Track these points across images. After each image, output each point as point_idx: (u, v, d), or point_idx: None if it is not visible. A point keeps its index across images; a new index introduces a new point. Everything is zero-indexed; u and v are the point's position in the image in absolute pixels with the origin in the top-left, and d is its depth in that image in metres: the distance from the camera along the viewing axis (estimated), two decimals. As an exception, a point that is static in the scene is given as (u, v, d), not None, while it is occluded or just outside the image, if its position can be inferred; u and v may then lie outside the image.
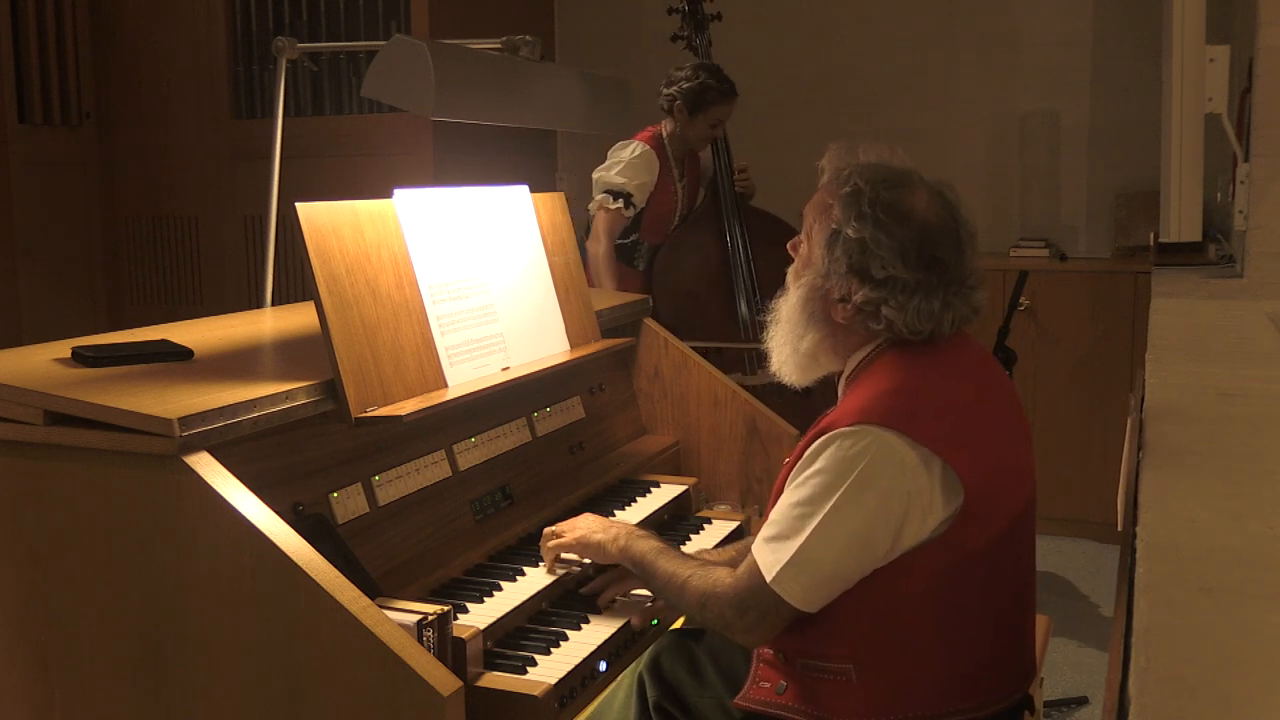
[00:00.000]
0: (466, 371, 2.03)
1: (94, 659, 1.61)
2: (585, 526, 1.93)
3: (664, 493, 2.40)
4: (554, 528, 1.97)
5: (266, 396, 1.66)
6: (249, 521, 1.48)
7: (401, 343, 1.91)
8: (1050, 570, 4.22)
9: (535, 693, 1.57)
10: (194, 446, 1.53)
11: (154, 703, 1.58)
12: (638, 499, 2.35)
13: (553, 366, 2.20)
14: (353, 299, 1.84)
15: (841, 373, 1.76)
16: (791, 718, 1.68)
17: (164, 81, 5.06)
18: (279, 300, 3.58)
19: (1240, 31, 3.74)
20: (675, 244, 3.88)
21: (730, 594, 1.67)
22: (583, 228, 3.78)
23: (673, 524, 2.35)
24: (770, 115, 5.03)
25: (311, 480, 1.78)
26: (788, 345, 1.77)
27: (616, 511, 2.26)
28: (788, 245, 1.80)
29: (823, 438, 1.61)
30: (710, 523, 2.38)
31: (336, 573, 1.47)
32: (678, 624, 2.07)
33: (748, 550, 1.70)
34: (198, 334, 2.12)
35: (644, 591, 1.91)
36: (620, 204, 3.72)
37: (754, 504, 2.58)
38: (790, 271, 1.78)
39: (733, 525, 2.37)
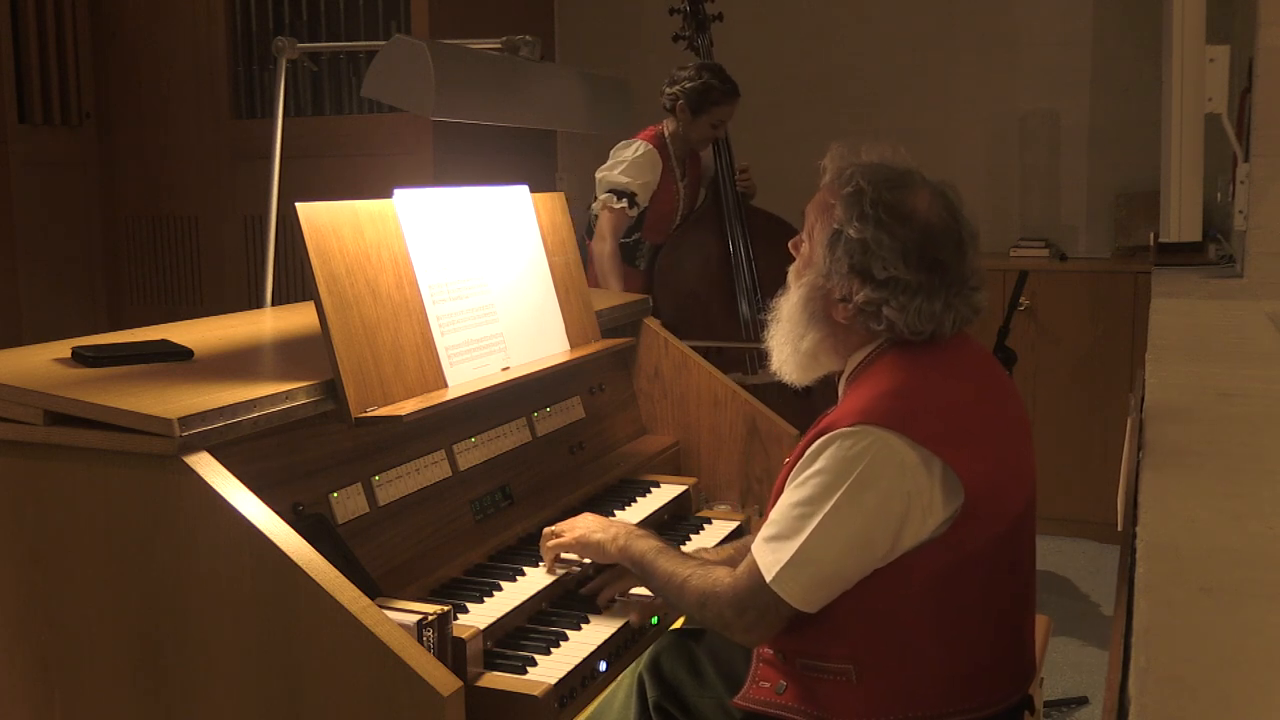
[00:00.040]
0: (466, 371, 2.03)
1: (94, 659, 1.61)
2: (585, 526, 1.93)
3: (664, 493, 2.40)
4: (553, 527, 1.97)
5: (266, 396, 1.66)
6: (249, 521, 1.48)
7: (401, 343, 1.91)
8: (1050, 570, 4.22)
9: (535, 693, 1.57)
10: (194, 446, 1.53)
11: (154, 703, 1.58)
12: (638, 499, 2.35)
13: (553, 366, 2.20)
14: (353, 299, 1.84)
15: (842, 372, 1.76)
16: (791, 718, 1.68)
17: (164, 81, 5.06)
18: (279, 300, 3.58)
19: (1240, 31, 3.74)
20: (677, 244, 3.88)
21: (730, 594, 1.67)
22: (583, 227, 3.78)
23: (673, 524, 2.35)
24: (770, 115, 5.03)
25: (311, 480, 1.78)
26: (788, 344, 1.77)
27: (616, 511, 2.26)
28: (789, 244, 1.80)
29: (823, 438, 1.61)
30: (710, 523, 2.38)
31: (336, 573, 1.47)
32: (678, 624, 2.07)
33: (746, 549, 1.70)
34: (198, 334, 2.12)
35: (643, 590, 1.91)
36: (625, 204, 3.72)
37: (754, 504, 2.58)
38: (791, 270, 1.78)
39: (733, 525, 2.37)
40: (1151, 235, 4.10)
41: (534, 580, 1.93)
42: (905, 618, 1.62)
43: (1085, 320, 4.52)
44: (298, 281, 4.81)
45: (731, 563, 1.81)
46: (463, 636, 1.58)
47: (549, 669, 1.68)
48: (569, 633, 1.81)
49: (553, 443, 2.35)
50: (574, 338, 2.37)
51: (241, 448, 1.65)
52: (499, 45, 2.65)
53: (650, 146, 3.78)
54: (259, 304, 3.00)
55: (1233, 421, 1.77)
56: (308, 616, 1.46)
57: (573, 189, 5.09)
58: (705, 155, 4.00)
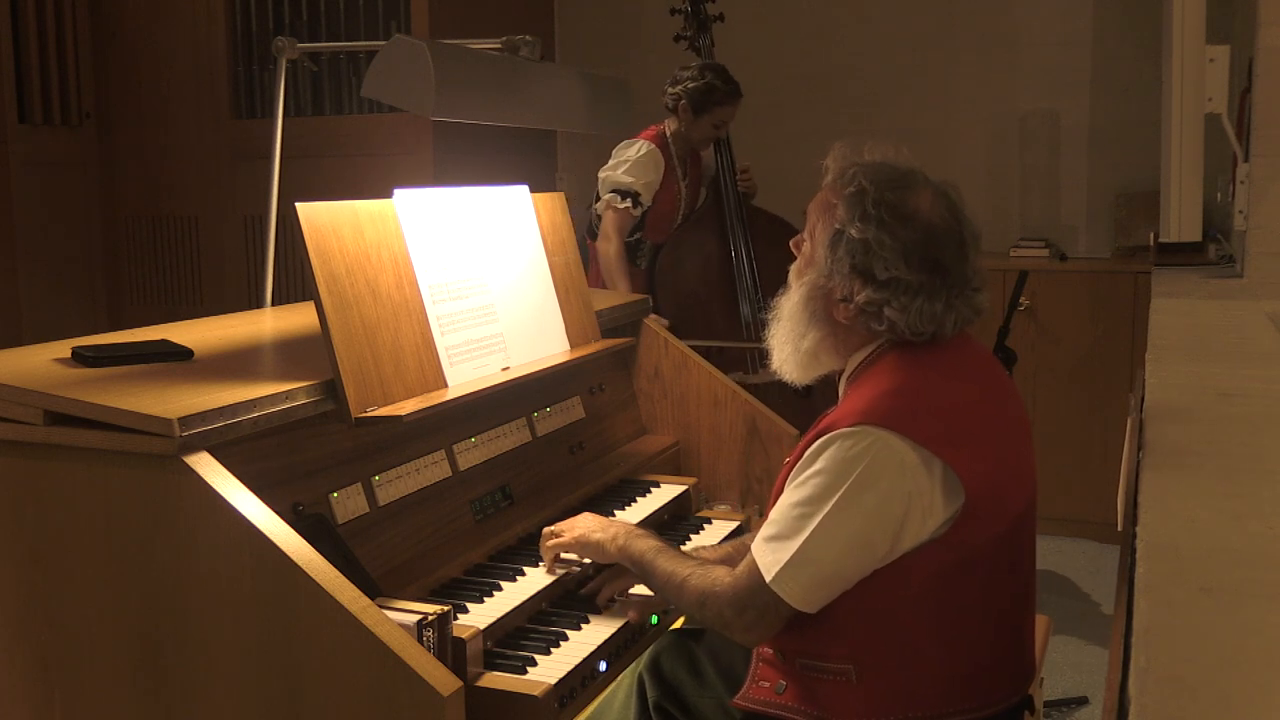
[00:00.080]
0: (466, 371, 2.03)
1: (94, 659, 1.61)
2: (584, 526, 1.93)
3: (664, 493, 2.40)
4: (553, 527, 1.97)
5: (266, 396, 1.66)
6: (249, 521, 1.48)
7: (401, 343, 1.91)
8: (1050, 570, 4.22)
9: (535, 693, 1.57)
10: (194, 446, 1.53)
11: (154, 703, 1.58)
12: (638, 499, 2.35)
13: (553, 366, 2.20)
14: (353, 299, 1.84)
15: (842, 372, 1.76)
16: (791, 717, 1.68)
17: (164, 81, 5.06)
18: (279, 300, 3.58)
19: (1240, 31, 3.74)
20: (677, 243, 3.88)
21: (729, 593, 1.67)
22: (583, 227, 3.78)
23: (673, 524, 2.35)
24: (771, 115, 5.03)
25: (311, 480, 1.78)
26: (789, 343, 1.77)
27: (616, 511, 2.26)
28: (790, 243, 1.80)
29: (823, 438, 1.61)
30: (710, 523, 2.38)
31: (336, 573, 1.47)
32: (678, 624, 2.07)
33: (745, 547, 1.70)
34: (198, 334, 2.12)
35: (643, 590, 1.91)
36: (628, 203, 3.72)
37: (754, 504, 2.58)
38: (792, 269, 1.78)
39: (733, 525, 2.37)
40: (1151, 235, 4.10)
41: (534, 580, 1.93)
42: (905, 618, 1.61)
43: (1085, 320, 4.52)
44: (298, 281, 4.81)
45: (730, 561, 1.81)
46: (463, 636, 1.58)
47: (549, 669, 1.68)
48: (569, 633, 1.81)
49: (553, 443, 2.35)
50: (574, 338, 2.37)
51: (241, 448, 1.65)
52: (499, 45, 2.65)
53: (652, 146, 3.78)
54: (259, 304, 3.00)
55: (1233, 421, 1.77)
56: (308, 616, 1.45)
57: (573, 189, 5.09)
58: (706, 155, 4.00)
